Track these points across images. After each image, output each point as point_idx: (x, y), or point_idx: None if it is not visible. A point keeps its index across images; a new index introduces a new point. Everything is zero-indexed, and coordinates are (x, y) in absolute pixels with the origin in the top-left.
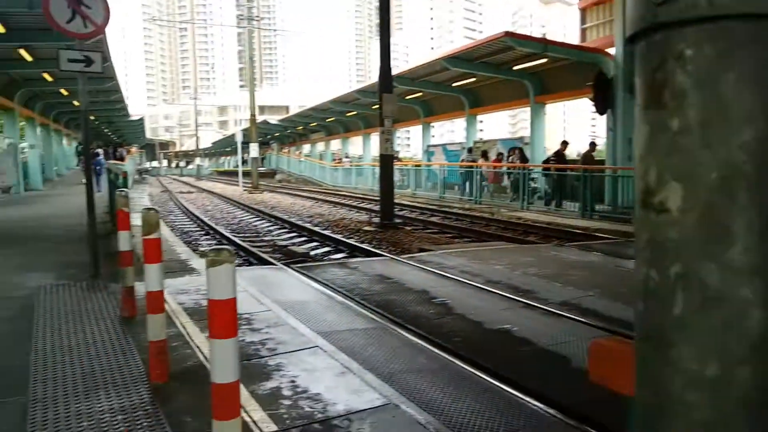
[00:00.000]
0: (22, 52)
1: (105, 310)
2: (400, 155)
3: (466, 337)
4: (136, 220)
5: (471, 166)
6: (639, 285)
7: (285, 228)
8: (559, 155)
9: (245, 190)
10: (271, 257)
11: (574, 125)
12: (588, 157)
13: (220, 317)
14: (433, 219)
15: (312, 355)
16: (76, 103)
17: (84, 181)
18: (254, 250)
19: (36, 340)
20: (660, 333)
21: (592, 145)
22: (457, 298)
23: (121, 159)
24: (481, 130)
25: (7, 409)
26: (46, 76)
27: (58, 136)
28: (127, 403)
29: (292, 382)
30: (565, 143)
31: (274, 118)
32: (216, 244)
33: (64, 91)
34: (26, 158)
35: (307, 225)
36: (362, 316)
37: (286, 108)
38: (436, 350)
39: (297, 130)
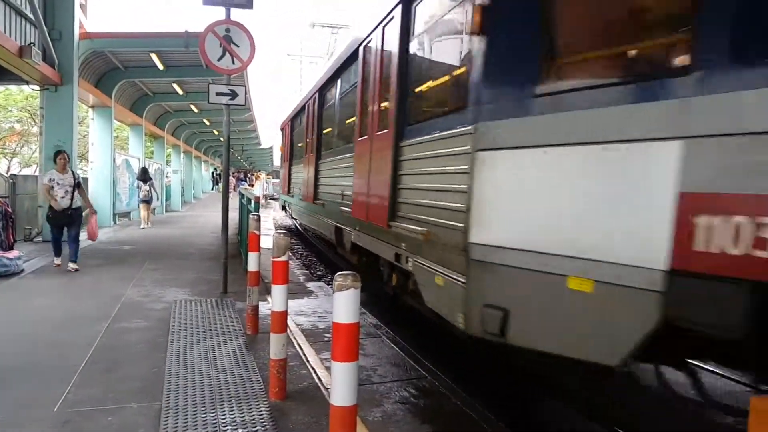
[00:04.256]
0: (175, 86)
1: (231, 326)
2: None
3: None
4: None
5: None
6: None
7: None
8: None
9: None
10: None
11: None
12: None
13: (344, 340)
14: None
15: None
16: (215, 132)
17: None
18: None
19: (170, 351)
20: None
21: None
22: None
23: (250, 184)
24: None
25: (143, 413)
26: (193, 107)
27: (197, 162)
28: (247, 417)
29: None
30: None
31: None
32: (330, 268)
33: (206, 121)
34: (169, 182)
35: None
36: None
37: None
38: None
39: None
